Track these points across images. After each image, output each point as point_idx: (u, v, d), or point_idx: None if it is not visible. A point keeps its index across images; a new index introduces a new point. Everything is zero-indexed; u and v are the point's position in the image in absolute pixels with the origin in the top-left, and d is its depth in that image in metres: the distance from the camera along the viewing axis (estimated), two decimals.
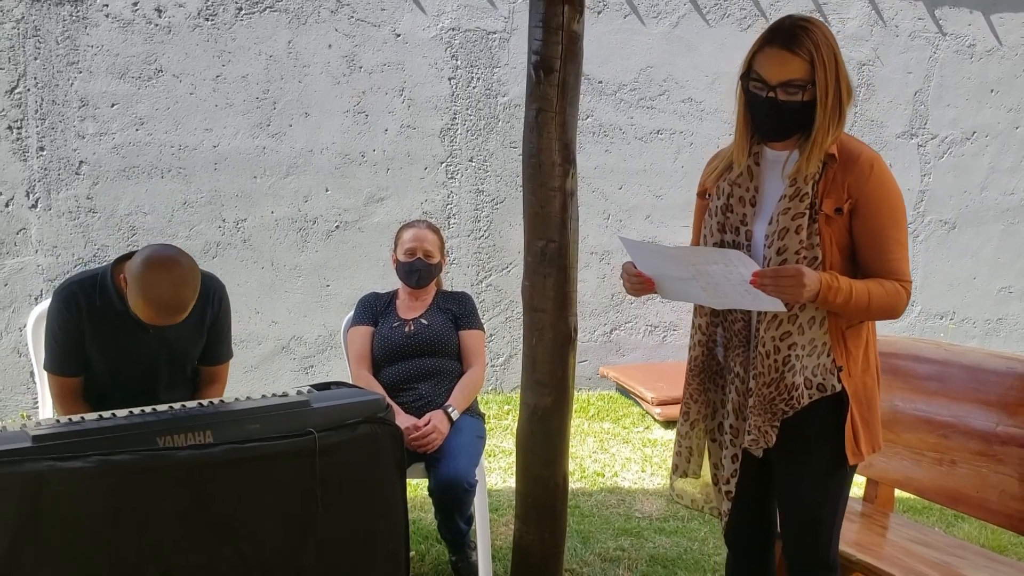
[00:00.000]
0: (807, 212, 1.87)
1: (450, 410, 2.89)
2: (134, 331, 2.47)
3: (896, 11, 5.98)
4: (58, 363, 2.51)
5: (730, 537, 2.19)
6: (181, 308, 2.35)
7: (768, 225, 1.92)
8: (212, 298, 2.61)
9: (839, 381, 1.92)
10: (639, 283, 2.00)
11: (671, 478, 2.19)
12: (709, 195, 2.06)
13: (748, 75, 1.91)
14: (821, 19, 5.76)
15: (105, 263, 2.60)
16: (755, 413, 1.94)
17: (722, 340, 2.04)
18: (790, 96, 1.85)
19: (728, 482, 2.03)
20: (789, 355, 1.90)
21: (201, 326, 2.60)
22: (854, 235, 1.90)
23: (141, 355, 2.52)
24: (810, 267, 1.85)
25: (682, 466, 2.14)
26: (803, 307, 1.89)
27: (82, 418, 1.99)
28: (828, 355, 1.92)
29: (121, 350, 2.51)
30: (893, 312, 1.90)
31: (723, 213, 2.00)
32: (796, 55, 1.83)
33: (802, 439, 1.96)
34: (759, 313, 1.94)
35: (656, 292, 2.01)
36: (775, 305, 1.83)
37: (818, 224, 1.88)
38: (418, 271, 3.07)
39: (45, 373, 2.59)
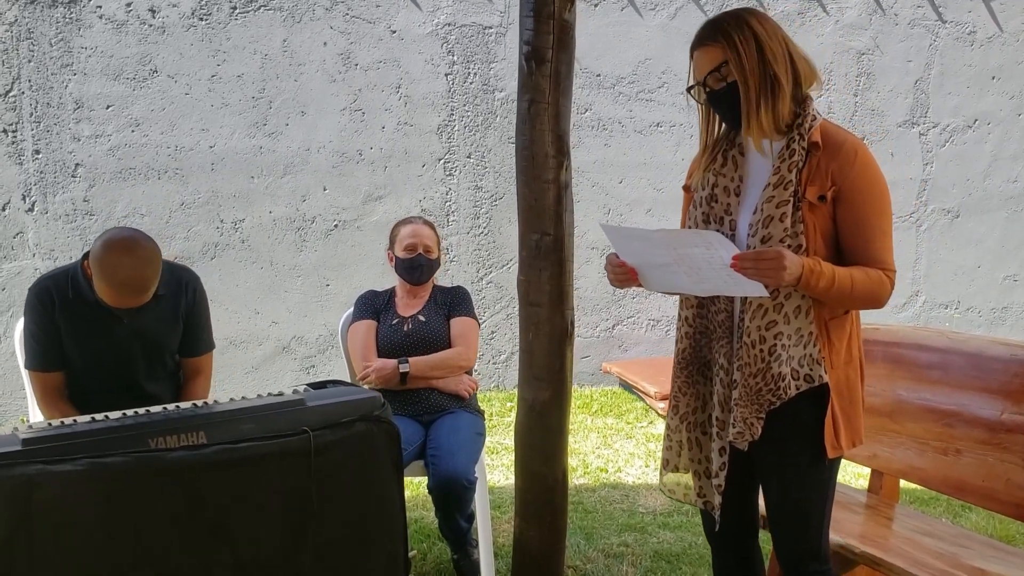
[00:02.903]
0: (791, 200, 1.86)
1: (402, 365, 2.91)
2: (107, 321, 2.49)
3: None
4: (38, 359, 2.52)
5: (712, 532, 2.15)
6: (143, 288, 2.37)
7: (753, 214, 1.91)
8: (185, 289, 2.62)
9: (825, 372, 1.89)
10: (623, 273, 1.98)
11: (661, 473, 2.16)
12: (694, 188, 2.06)
13: (693, 85, 1.97)
14: (819, 8, 5.74)
15: None
16: (741, 405, 1.91)
17: (707, 332, 2.02)
18: (719, 83, 1.90)
19: (718, 475, 1.99)
20: (775, 344, 1.87)
21: (176, 317, 2.62)
22: (837, 223, 1.88)
23: (117, 346, 2.53)
24: None
25: (672, 460, 2.12)
26: (789, 296, 1.87)
27: (74, 420, 1.96)
28: (815, 345, 1.89)
29: (96, 341, 2.52)
30: (876, 301, 1.88)
31: (708, 203, 1.99)
32: (711, 45, 1.90)
33: (783, 432, 1.92)
34: (743, 303, 1.92)
35: (639, 283, 1.98)
36: (757, 290, 1.80)
37: (801, 212, 1.86)
38: (420, 267, 3.06)
39: (28, 375, 2.59)
